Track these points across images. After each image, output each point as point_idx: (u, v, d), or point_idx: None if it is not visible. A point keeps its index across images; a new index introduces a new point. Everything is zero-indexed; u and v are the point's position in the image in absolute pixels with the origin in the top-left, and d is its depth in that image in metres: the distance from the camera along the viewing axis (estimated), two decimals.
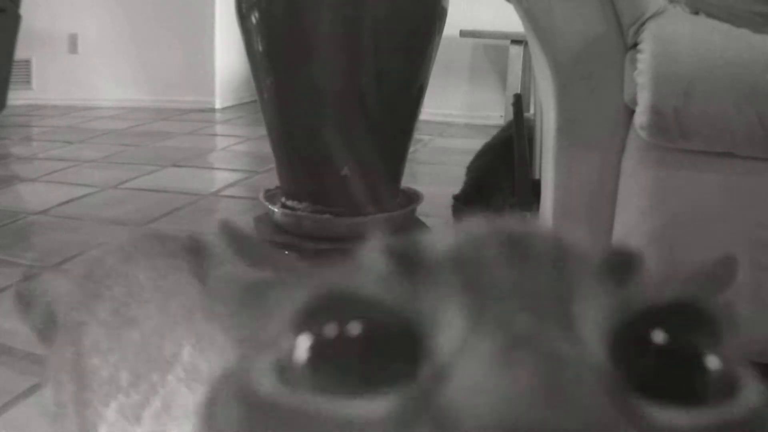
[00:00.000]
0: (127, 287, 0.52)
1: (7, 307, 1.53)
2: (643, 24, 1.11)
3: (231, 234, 0.28)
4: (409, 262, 0.20)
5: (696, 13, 1.41)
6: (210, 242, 0.61)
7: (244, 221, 2.14)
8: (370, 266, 0.20)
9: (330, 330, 0.19)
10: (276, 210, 1.82)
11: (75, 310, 0.55)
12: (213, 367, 0.44)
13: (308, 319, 0.20)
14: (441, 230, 0.22)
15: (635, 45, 1.11)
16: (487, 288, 0.19)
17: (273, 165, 1.92)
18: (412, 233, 0.22)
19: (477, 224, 0.22)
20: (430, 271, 0.20)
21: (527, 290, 0.19)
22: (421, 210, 1.92)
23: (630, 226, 1.12)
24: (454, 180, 2.04)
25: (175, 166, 2.93)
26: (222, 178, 2.86)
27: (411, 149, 1.92)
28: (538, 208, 1.43)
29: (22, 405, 1.15)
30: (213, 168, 3.07)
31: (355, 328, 0.19)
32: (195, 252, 0.56)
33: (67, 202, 2.36)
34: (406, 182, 1.94)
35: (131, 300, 0.51)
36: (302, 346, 0.20)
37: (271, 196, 1.92)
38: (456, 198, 1.94)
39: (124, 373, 0.49)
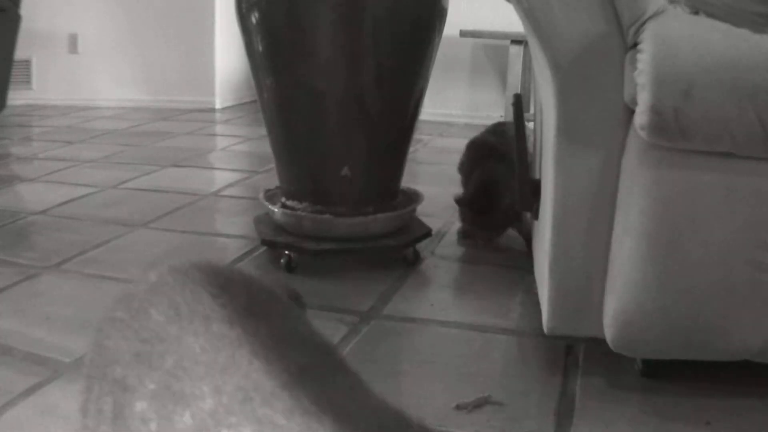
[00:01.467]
0: (179, 357, 0.49)
1: (7, 307, 1.53)
2: (643, 24, 1.11)
3: None
4: None
5: (696, 13, 1.41)
6: (276, 294, 0.59)
7: (244, 221, 2.15)
8: None
9: None
10: (276, 210, 1.82)
11: (119, 365, 0.52)
12: None
13: None
14: None
15: (635, 45, 1.11)
16: None
17: (273, 165, 1.92)
18: None
19: None
20: None
21: None
22: (421, 210, 1.92)
23: (630, 226, 1.12)
24: (454, 180, 2.04)
25: (175, 166, 2.93)
26: (222, 178, 2.86)
27: (411, 149, 1.92)
28: (538, 208, 1.43)
29: (22, 405, 1.14)
30: (213, 168, 3.07)
31: None
32: (255, 309, 0.54)
33: (67, 202, 2.36)
34: (406, 182, 1.94)
35: (183, 374, 0.48)
36: None
37: (271, 196, 1.92)
38: (459, 201, 1.94)
39: None
